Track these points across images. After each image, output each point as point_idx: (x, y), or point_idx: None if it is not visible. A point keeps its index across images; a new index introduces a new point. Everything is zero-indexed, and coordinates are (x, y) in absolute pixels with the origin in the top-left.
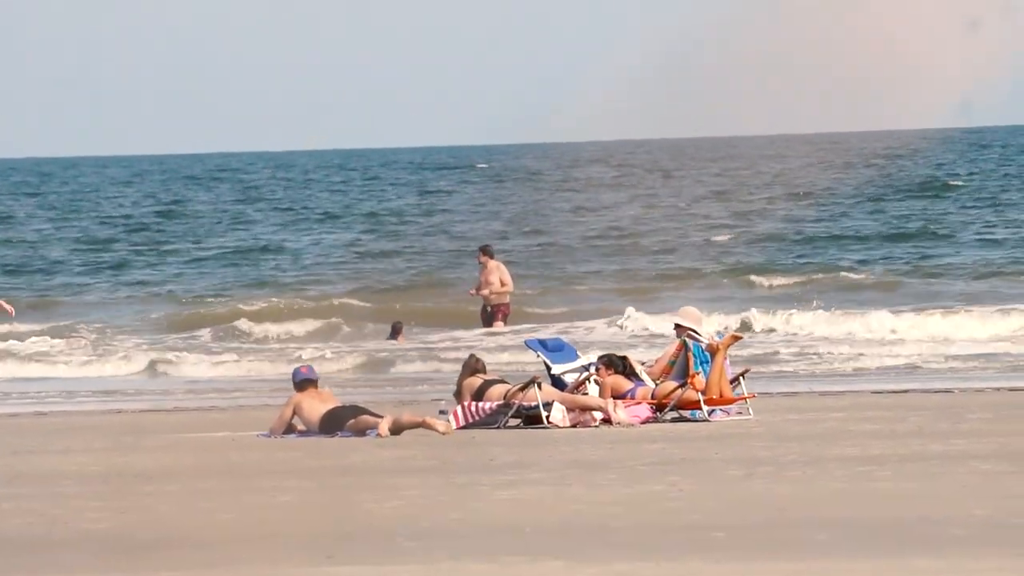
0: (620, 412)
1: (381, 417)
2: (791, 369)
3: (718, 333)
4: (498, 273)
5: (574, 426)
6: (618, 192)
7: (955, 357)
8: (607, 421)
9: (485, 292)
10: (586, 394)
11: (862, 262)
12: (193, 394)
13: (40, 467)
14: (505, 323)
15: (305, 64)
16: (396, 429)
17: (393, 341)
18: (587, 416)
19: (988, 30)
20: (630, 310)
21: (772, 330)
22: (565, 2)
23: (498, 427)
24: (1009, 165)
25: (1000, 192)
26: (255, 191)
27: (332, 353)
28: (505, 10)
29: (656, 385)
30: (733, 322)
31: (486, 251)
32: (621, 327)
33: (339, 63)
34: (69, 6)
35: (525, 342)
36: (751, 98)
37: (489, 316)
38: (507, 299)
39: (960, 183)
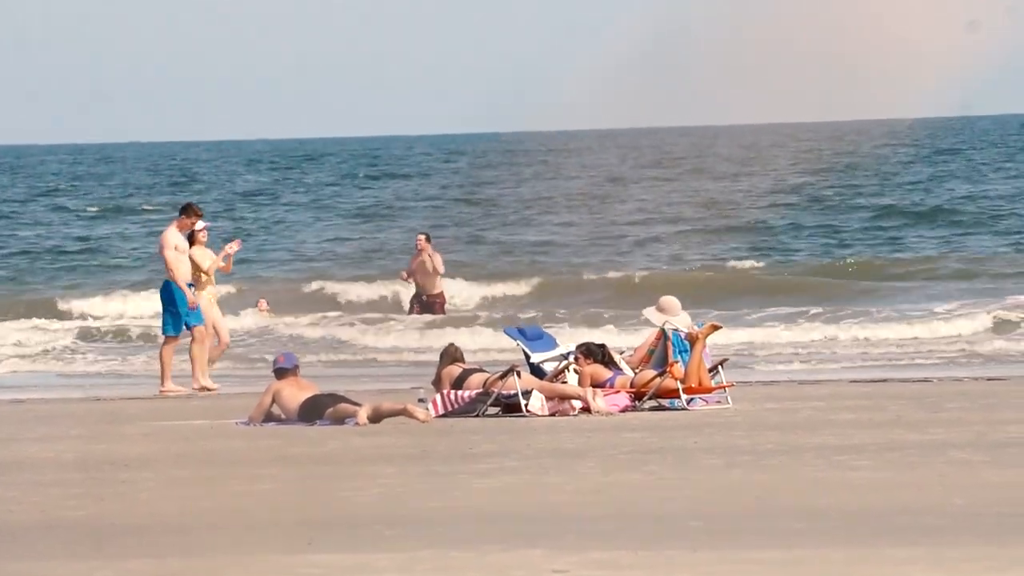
0: (599, 401)
1: (360, 405)
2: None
3: (697, 322)
4: (432, 261)
5: (553, 415)
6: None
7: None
8: (586, 410)
9: (419, 279)
10: (565, 383)
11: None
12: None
13: (17, 455)
14: (444, 313)
15: (281, 51)
16: (375, 417)
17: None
18: (566, 405)
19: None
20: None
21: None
22: None
23: (477, 415)
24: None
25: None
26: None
27: None
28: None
29: (635, 374)
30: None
31: (428, 238)
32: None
33: (320, 50)
34: None
35: (504, 330)
36: (737, 86)
37: (425, 306)
38: (440, 288)
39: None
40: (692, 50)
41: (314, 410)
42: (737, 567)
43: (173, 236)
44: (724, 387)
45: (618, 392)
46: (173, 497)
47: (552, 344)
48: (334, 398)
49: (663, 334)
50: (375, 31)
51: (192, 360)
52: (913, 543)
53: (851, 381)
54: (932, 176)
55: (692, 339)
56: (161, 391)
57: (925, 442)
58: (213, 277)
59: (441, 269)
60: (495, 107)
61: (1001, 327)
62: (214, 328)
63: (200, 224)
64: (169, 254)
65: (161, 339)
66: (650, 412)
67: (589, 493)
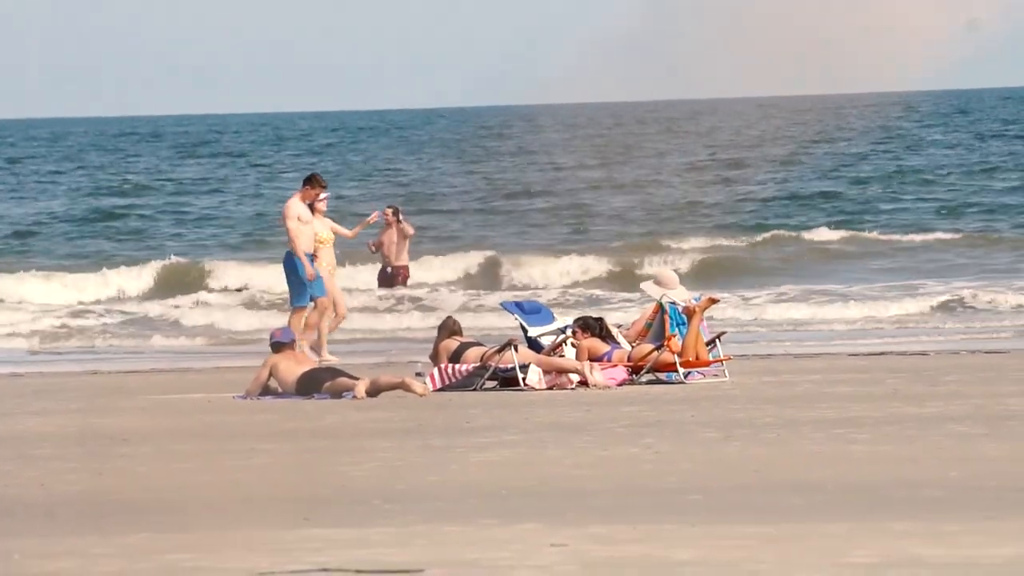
0: (596, 374)
1: (358, 379)
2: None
3: (695, 296)
4: (401, 234)
5: (550, 388)
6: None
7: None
8: (583, 383)
9: (385, 250)
10: (563, 356)
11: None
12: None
13: (15, 429)
14: (406, 286)
15: (272, 25)
16: (373, 391)
17: None
18: (563, 378)
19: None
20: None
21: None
22: None
23: (475, 389)
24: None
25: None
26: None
27: None
28: None
29: (632, 348)
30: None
31: (396, 211)
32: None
33: (312, 25)
34: None
35: (501, 304)
36: (729, 61)
37: (389, 277)
38: (406, 260)
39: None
40: (685, 26)
41: (312, 384)
42: (735, 541)
43: (296, 206)
44: (721, 360)
45: (615, 366)
46: (171, 471)
47: (550, 318)
48: (332, 372)
49: (660, 307)
50: (361, 6)
51: (315, 330)
52: (911, 516)
53: (849, 354)
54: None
55: (689, 312)
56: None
57: (923, 415)
58: (332, 248)
59: (397, 239)
60: (488, 81)
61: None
62: (332, 299)
63: (322, 194)
64: (292, 224)
65: (289, 309)
66: (648, 386)
67: (587, 467)
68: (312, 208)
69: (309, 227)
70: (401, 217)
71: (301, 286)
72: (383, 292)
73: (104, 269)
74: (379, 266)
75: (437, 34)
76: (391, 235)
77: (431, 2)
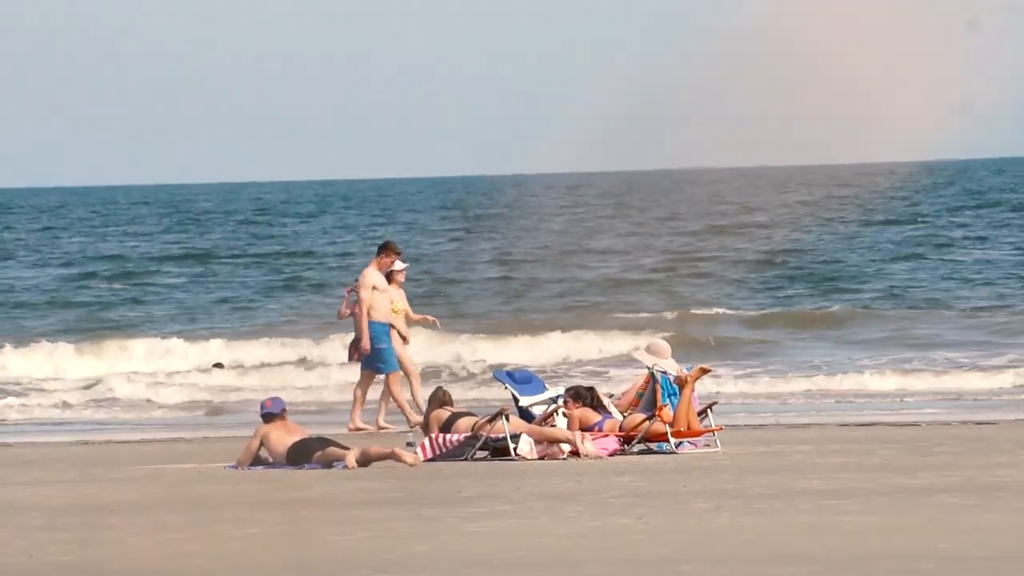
0: (588, 444)
1: (348, 449)
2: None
3: (686, 366)
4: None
5: (542, 458)
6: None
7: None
8: (575, 453)
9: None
10: (554, 426)
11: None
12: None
13: (6, 499)
14: None
15: (272, 92)
16: (364, 461)
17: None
18: (555, 448)
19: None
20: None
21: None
22: (533, 37)
23: (466, 459)
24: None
25: None
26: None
27: None
28: (474, 42)
29: (624, 417)
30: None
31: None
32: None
33: (310, 93)
34: None
35: (493, 374)
36: (719, 130)
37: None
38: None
39: None
40: (672, 102)
41: (302, 454)
42: None
43: (372, 275)
44: (713, 431)
45: (607, 436)
46: (162, 542)
47: (541, 387)
48: (322, 442)
49: (652, 377)
50: (359, 74)
51: (363, 400)
52: None
53: (840, 425)
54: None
55: (681, 382)
56: (380, 427)
57: (914, 486)
58: (403, 318)
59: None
60: (484, 148)
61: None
62: (403, 368)
63: (399, 265)
64: (364, 294)
65: (381, 378)
66: (639, 456)
67: (578, 537)
68: (389, 277)
69: (385, 296)
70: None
71: (387, 351)
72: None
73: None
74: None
75: (431, 105)
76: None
77: (428, 78)
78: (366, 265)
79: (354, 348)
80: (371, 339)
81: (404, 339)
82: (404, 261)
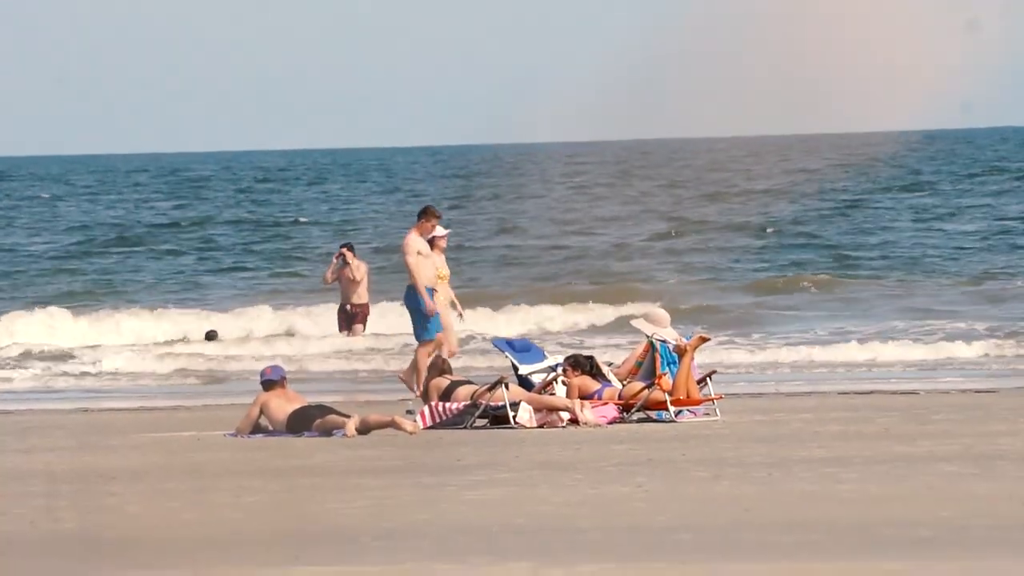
0: (587, 413)
1: (348, 417)
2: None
3: (685, 334)
4: (361, 272)
5: (541, 426)
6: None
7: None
8: (574, 421)
9: (343, 287)
10: (553, 394)
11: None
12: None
13: (5, 466)
14: (365, 327)
15: (277, 65)
16: (363, 429)
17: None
18: (554, 416)
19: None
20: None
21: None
22: (531, 7)
23: (465, 427)
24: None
25: None
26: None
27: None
28: (472, 13)
29: (623, 386)
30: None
31: (351, 248)
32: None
33: (317, 64)
34: None
35: (492, 342)
36: (727, 98)
37: (349, 316)
38: (366, 299)
39: None
40: (675, 69)
41: (302, 422)
42: None
43: (415, 242)
44: (712, 399)
45: (606, 404)
46: (161, 510)
47: (540, 356)
48: (322, 409)
49: (651, 346)
50: (363, 45)
51: (418, 368)
52: (902, 556)
53: (839, 393)
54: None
55: (680, 351)
56: (418, 394)
57: (913, 454)
58: (448, 282)
59: (358, 276)
60: (488, 119)
61: None
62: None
63: (440, 230)
64: (411, 260)
65: (415, 344)
66: (638, 424)
67: (577, 505)
68: (432, 243)
69: (429, 261)
70: (355, 255)
71: (425, 321)
72: (344, 337)
73: None
74: (338, 304)
75: (432, 73)
76: (348, 272)
77: (425, 45)
78: (407, 231)
79: (343, 317)
80: (418, 305)
81: (454, 305)
82: (444, 227)
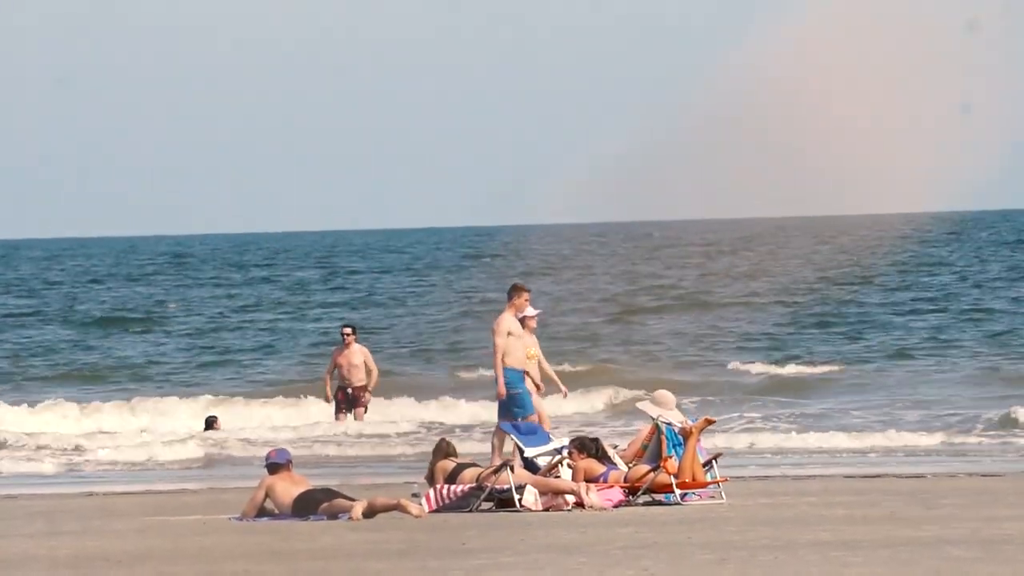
0: (592, 495)
1: (355, 500)
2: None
3: (691, 417)
4: (362, 355)
5: (546, 509)
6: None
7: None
8: (579, 504)
9: (344, 371)
10: (559, 477)
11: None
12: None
13: (8, 552)
14: (366, 410)
15: (268, 145)
16: (369, 512)
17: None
18: (560, 499)
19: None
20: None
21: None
22: (542, 87)
23: (471, 510)
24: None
25: None
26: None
27: None
28: (480, 92)
29: (629, 468)
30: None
31: (354, 331)
32: None
33: (316, 142)
34: None
35: (499, 425)
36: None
37: (351, 399)
38: (364, 381)
39: None
40: (672, 153)
41: (308, 505)
42: None
43: (507, 321)
44: (718, 482)
45: (612, 487)
46: None
47: (546, 439)
48: (328, 493)
49: (657, 428)
50: (365, 121)
51: (496, 446)
52: None
53: (845, 476)
54: None
55: (686, 433)
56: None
57: (919, 538)
58: (537, 364)
59: (357, 361)
60: (492, 200)
61: None
62: (538, 415)
63: (531, 311)
64: (499, 340)
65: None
66: (644, 507)
67: None
68: (523, 323)
69: (520, 342)
70: (355, 337)
71: (523, 397)
72: (342, 422)
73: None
74: (336, 386)
75: (434, 155)
76: (348, 356)
77: (434, 126)
78: (500, 312)
79: (343, 399)
80: (506, 385)
81: (537, 387)
82: (537, 309)
